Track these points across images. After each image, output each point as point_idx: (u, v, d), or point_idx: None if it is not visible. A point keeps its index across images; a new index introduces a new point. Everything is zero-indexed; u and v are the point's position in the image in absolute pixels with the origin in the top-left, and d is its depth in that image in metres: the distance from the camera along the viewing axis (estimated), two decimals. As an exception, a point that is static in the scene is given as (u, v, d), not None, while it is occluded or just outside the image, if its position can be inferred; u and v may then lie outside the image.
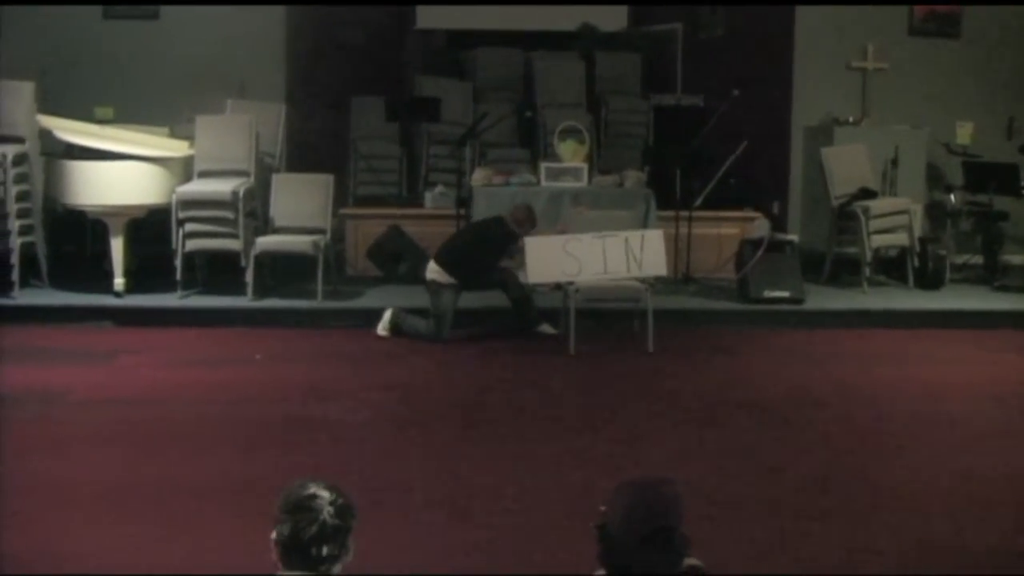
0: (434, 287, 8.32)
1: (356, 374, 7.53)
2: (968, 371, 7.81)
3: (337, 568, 2.73)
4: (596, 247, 8.11)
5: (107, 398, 6.84)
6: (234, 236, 8.95)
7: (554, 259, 8.10)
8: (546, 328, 8.49)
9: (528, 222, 8.40)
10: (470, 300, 8.52)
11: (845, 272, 10.07)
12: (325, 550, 2.68)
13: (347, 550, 2.74)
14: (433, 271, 8.35)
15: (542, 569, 4.57)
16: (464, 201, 9.73)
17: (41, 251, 9.21)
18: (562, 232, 8.49)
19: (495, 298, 8.58)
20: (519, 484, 5.52)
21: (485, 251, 8.43)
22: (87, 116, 9.79)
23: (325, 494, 2.72)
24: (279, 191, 9.24)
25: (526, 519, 5.09)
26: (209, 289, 9.25)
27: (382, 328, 8.43)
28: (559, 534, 4.87)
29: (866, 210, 9.76)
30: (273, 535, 2.73)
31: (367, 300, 9.22)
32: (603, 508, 2.76)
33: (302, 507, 2.70)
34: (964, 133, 10.91)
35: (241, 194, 8.93)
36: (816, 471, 5.79)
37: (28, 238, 9.04)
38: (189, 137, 9.39)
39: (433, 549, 4.79)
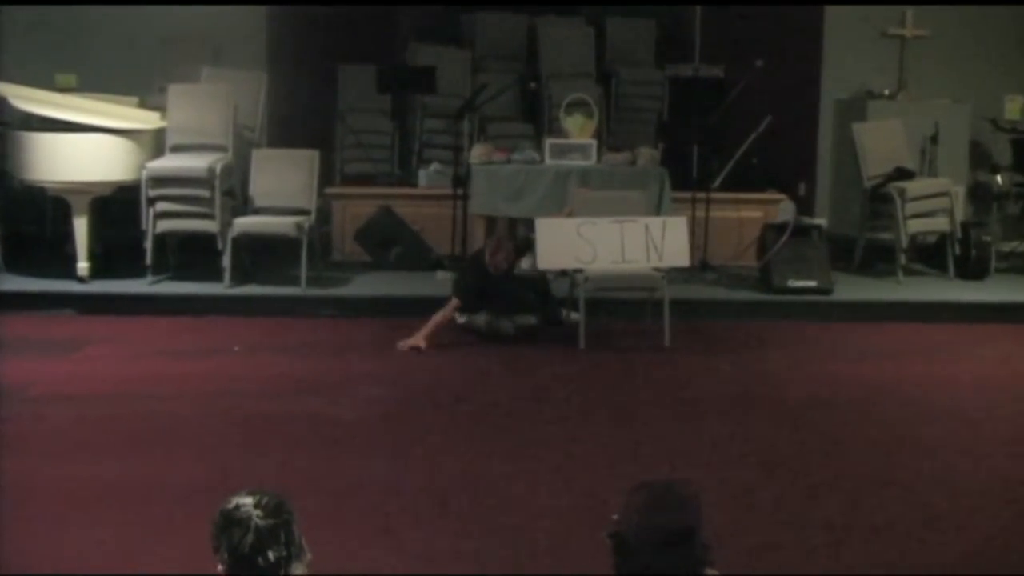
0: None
1: (342, 366, 7.58)
2: (1013, 370, 7.83)
3: (298, 568, 2.75)
4: (613, 232, 8.08)
5: (70, 393, 6.89)
6: (210, 217, 8.97)
7: (567, 244, 8.09)
8: (567, 315, 8.39)
9: (500, 252, 8.17)
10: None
11: (878, 260, 10.11)
12: (271, 555, 2.71)
13: (298, 547, 2.76)
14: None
15: (546, 572, 4.59)
16: (461, 180, 9.75)
17: (-4, 232, 9.25)
18: (571, 215, 8.48)
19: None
20: (518, 485, 5.56)
21: (496, 291, 8.18)
22: (47, 83, 9.78)
23: (248, 500, 2.77)
24: (259, 168, 9.27)
25: (528, 521, 5.13)
26: (182, 274, 9.27)
27: None
28: (564, 537, 4.92)
29: (902, 192, 9.78)
30: (219, 568, 2.74)
31: (354, 287, 9.28)
32: (615, 517, 2.76)
33: (230, 522, 2.74)
34: (1013, 107, 10.93)
35: (218, 171, 8.96)
36: (843, 477, 5.80)
37: (-18, 218, 9.07)
38: (161, 108, 9.43)
39: (425, 550, 4.82)
